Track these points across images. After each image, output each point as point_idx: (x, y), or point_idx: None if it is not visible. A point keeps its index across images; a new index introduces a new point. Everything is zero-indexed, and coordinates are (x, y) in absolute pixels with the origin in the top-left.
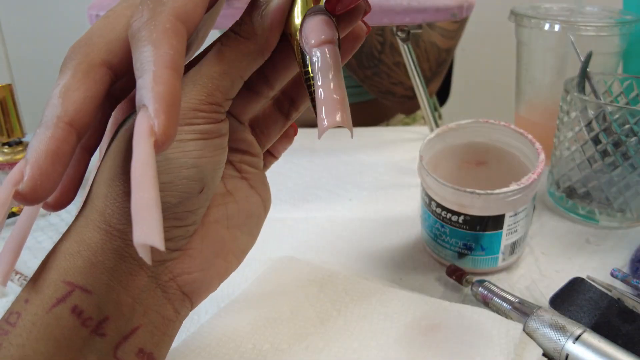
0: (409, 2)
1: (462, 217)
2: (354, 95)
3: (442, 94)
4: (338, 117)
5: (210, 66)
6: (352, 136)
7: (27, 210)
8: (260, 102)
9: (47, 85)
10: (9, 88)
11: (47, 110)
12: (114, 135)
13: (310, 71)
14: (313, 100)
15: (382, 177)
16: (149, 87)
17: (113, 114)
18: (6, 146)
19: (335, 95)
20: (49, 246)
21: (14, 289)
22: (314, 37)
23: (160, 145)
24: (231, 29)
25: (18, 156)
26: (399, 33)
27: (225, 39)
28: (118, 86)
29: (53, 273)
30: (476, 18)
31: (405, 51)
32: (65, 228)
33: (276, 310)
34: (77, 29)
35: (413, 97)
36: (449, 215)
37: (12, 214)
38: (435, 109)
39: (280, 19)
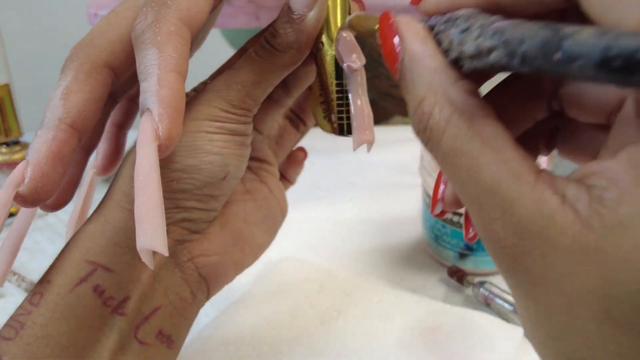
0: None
1: (463, 218)
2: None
3: None
4: (371, 136)
5: (245, 75)
6: (368, 150)
7: (24, 210)
8: (279, 111)
9: (45, 85)
10: (7, 87)
11: (49, 112)
12: None
13: (344, 84)
14: (340, 112)
15: (383, 177)
16: (154, 91)
17: (112, 114)
18: (4, 146)
19: (368, 114)
20: (47, 247)
21: (10, 290)
22: (351, 55)
23: (164, 150)
24: (266, 40)
25: (16, 156)
26: None
27: (260, 50)
28: (116, 86)
29: (76, 253)
30: None
31: None
32: (63, 228)
33: (276, 312)
34: (76, 28)
35: None
36: (450, 215)
37: (10, 214)
38: None
39: (315, 35)
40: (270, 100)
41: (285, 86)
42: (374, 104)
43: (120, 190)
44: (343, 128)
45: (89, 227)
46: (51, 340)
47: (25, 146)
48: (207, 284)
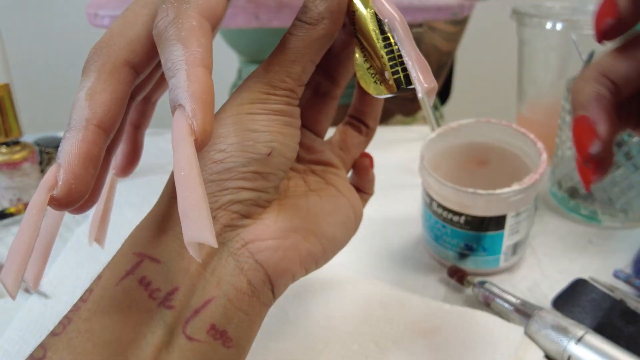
0: (410, 0)
1: (463, 218)
2: (352, 95)
3: (444, 94)
4: (432, 81)
5: (281, 55)
6: (431, 102)
7: (52, 213)
8: (330, 104)
9: (45, 84)
10: (7, 88)
11: (75, 113)
12: None
13: (390, 37)
14: (393, 66)
15: (383, 177)
16: (184, 87)
17: (130, 113)
18: (4, 146)
19: (423, 59)
20: None
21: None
22: (391, 6)
23: (199, 144)
24: (297, 18)
25: (15, 156)
26: None
27: (293, 28)
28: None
29: (125, 247)
30: (478, 17)
31: None
32: (63, 228)
33: (276, 313)
34: (76, 28)
35: (413, 99)
36: (450, 215)
37: (10, 215)
38: (437, 109)
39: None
40: (319, 95)
41: (329, 76)
42: None
43: (166, 184)
44: (401, 81)
45: (141, 222)
46: (93, 335)
47: (25, 146)
48: (266, 272)
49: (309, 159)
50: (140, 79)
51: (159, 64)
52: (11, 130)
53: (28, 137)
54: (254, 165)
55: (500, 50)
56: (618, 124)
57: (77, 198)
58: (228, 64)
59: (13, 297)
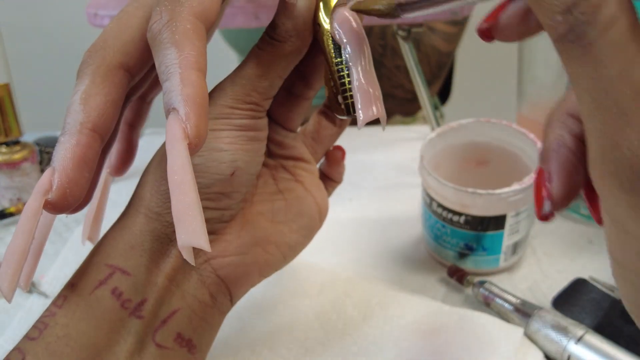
0: None
1: (463, 217)
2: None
3: (444, 93)
4: (375, 110)
5: (249, 69)
6: (383, 128)
7: (45, 214)
8: (302, 105)
9: (45, 84)
10: (7, 87)
11: (69, 117)
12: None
13: (342, 62)
14: (344, 91)
15: (383, 177)
16: (178, 90)
17: (125, 113)
18: (4, 146)
19: (370, 88)
20: (46, 246)
21: None
22: (348, 28)
23: (193, 148)
24: (266, 33)
25: (15, 156)
26: (400, 32)
27: (261, 43)
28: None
29: (97, 257)
30: (478, 17)
31: (406, 50)
32: (63, 228)
33: (276, 314)
34: (76, 27)
35: (413, 100)
36: (450, 215)
37: (10, 214)
38: (437, 108)
39: (310, 18)
40: (293, 96)
41: (304, 79)
42: None
43: (137, 196)
44: (349, 108)
45: (110, 233)
46: (71, 340)
47: (25, 146)
48: (227, 286)
49: (280, 154)
50: (135, 81)
51: (154, 65)
52: (11, 130)
53: (28, 137)
54: (218, 186)
55: (500, 49)
56: (579, 177)
57: (72, 202)
58: (227, 63)
59: (9, 300)
